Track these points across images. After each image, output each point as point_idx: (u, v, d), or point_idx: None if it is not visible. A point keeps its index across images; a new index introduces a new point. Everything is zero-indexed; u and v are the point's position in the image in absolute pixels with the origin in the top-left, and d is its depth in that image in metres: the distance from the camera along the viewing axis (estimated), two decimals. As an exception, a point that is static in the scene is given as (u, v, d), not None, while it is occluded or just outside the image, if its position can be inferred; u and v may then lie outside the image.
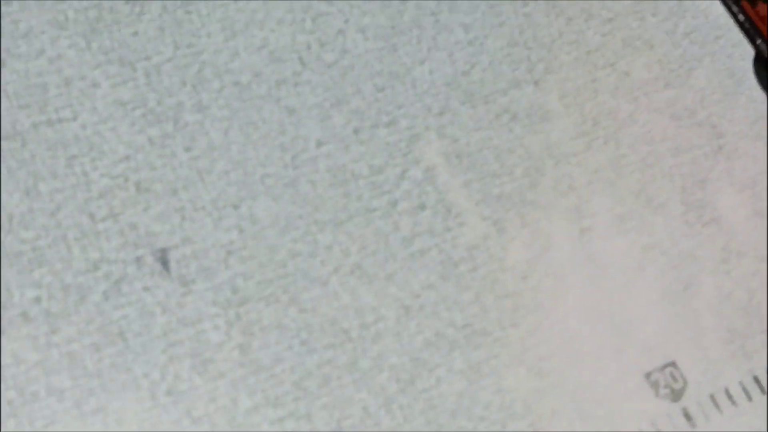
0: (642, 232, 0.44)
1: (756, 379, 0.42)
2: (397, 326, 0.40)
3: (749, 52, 0.49)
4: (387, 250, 0.41)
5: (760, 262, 0.44)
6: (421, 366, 0.40)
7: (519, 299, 0.41)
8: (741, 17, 0.49)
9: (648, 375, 0.42)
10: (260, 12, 0.44)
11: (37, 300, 0.37)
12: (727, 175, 0.45)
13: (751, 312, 0.42)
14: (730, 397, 0.42)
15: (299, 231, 0.41)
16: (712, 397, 0.42)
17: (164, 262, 0.39)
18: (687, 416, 0.42)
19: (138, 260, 0.39)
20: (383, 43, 0.45)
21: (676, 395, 0.42)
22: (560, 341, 0.42)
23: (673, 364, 0.42)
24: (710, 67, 0.46)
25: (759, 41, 0.49)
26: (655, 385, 0.42)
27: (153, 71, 0.42)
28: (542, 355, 0.41)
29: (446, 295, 0.41)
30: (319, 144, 0.42)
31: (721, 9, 0.50)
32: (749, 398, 0.42)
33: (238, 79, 0.43)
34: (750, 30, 0.49)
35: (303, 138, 0.42)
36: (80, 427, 0.36)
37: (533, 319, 0.42)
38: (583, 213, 0.43)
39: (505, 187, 0.43)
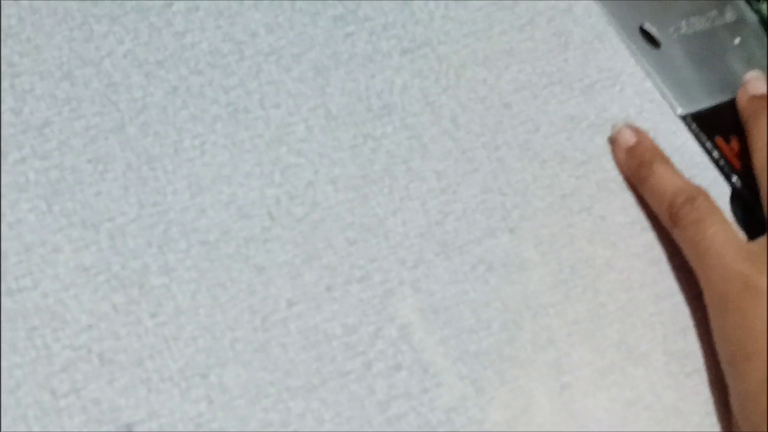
0: (624, 387, 0.43)
1: None
2: (374, 497, 0.39)
3: (726, 189, 0.48)
4: (362, 416, 0.40)
5: (746, 413, 0.42)
6: None
7: (500, 463, 0.40)
8: (715, 154, 0.49)
9: None
10: (227, 166, 0.43)
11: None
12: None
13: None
14: None
15: (270, 399, 0.39)
16: None
17: (129, 439, 0.37)
18: None
19: (102, 437, 0.37)
20: (354, 194, 0.44)
21: None
22: (544, 505, 0.40)
23: None
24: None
25: (734, 178, 0.49)
26: None
27: (117, 233, 0.40)
28: None
29: (425, 461, 0.39)
30: (290, 304, 0.41)
31: (695, 146, 0.49)
32: None
33: (206, 237, 0.41)
34: (725, 167, 0.49)
35: (273, 298, 0.41)
36: None
37: (515, 483, 0.40)
38: (563, 368, 0.42)
39: (483, 343, 0.42)
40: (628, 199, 0.47)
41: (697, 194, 0.44)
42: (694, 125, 0.49)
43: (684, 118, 0.50)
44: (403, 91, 0.46)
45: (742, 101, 0.49)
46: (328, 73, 0.46)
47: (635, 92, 0.49)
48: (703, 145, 0.49)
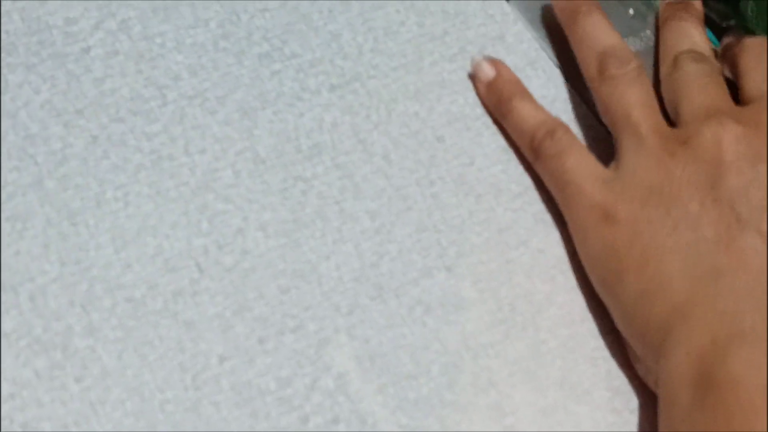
0: (567, 425, 0.42)
1: None
2: None
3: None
4: (300, 473, 0.38)
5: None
6: None
7: None
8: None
9: None
10: (152, 217, 0.42)
11: None
12: (652, 355, 0.43)
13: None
14: None
15: (203, 461, 0.38)
16: None
17: None
18: None
19: None
20: (285, 239, 0.43)
21: None
22: None
23: None
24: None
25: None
26: None
27: (38, 294, 0.39)
28: None
29: None
30: (221, 359, 0.40)
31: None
32: None
33: (131, 294, 0.40)
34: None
35: (203, 354, 0.40)
36: None
37: None
38: (505, 410, 0.41)
39: (422, 390, 0.41)
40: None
41: (556, 127, 0.45)
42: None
43: (621, 143, 0.49)
44: (333, 129, 0.45)
45: (662, 8, 0.50)
46: (255, 114, 0.45)
47: (570, 119, 0.49)
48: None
